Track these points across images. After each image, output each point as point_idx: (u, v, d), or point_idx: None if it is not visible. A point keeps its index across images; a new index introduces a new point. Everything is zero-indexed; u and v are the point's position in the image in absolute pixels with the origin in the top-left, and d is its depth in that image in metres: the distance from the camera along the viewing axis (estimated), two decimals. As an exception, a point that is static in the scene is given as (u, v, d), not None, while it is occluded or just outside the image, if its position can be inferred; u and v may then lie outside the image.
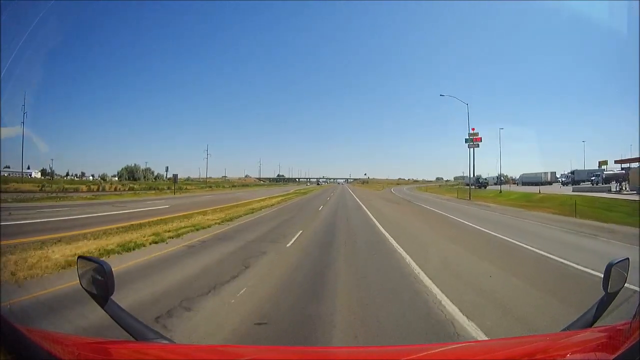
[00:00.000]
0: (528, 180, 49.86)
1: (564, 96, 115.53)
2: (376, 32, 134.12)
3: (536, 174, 52.07)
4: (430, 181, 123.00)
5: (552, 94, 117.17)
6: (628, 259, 1.51)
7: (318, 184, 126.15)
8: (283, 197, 32.54)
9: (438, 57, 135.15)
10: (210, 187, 59.35)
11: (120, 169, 76.81)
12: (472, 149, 68.06)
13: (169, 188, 46.58)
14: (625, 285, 1.55)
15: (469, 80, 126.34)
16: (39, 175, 63.91)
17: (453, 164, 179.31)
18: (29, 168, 69.90)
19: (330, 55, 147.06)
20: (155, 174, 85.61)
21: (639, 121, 37.25)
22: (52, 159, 62.83)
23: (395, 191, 59.84)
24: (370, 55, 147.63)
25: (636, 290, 4.42)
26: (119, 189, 42.65)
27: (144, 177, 76.81)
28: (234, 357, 1.57)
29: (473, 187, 57.49)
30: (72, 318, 3.83)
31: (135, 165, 78.03)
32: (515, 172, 59.26)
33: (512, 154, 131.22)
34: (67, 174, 77.30)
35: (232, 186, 74.49)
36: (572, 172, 47.98)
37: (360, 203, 27.03)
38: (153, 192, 38.87)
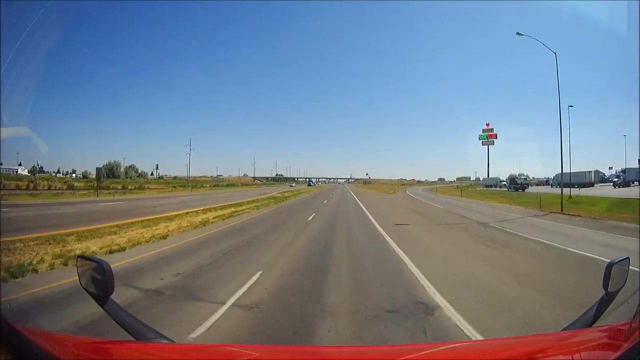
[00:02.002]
0: (567, 181, 41.05)
1: (562, 96, 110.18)
2: (377, 32, 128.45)
3: (578, 173, 43.23)
4: (434, 182, 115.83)
5: (551, 93, 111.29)
6: (628, 258, 1.48)
7: (309, 185, 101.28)
8: (244, 207, 19.97)
9: (437, 60, 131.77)
10: (175, 187, 49.79)
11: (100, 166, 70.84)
12: (488, 146, 59.76)
13: (123, 187, 37.96)
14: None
15: (470, 80, 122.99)
16: (25, 172, 59.43)
17: (454, 165, 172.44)
18: (20, 164, 64.85)
19: (331, 54, 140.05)
20: (140, 171, 79.31)
21: (639, 121, 35.87)
22: (18, 152, 56.12)
23: (414, 194, 43.13)
24: (372, 57, 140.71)
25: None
26: (57, 187, 33.96)
27: (126, 175, 70.19)
28: (233, 357, 1.54)
29: (500, 188, 48.72)
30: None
31: (115, 161, 71.25)
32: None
33: (509, 154, 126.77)
34: (58, 171, 74.81)
35: (215, 186, 65.72)
36: (623, 171, 41.15)
37: (384, 233, 11.06)
38: (91, 192, 30.03)
